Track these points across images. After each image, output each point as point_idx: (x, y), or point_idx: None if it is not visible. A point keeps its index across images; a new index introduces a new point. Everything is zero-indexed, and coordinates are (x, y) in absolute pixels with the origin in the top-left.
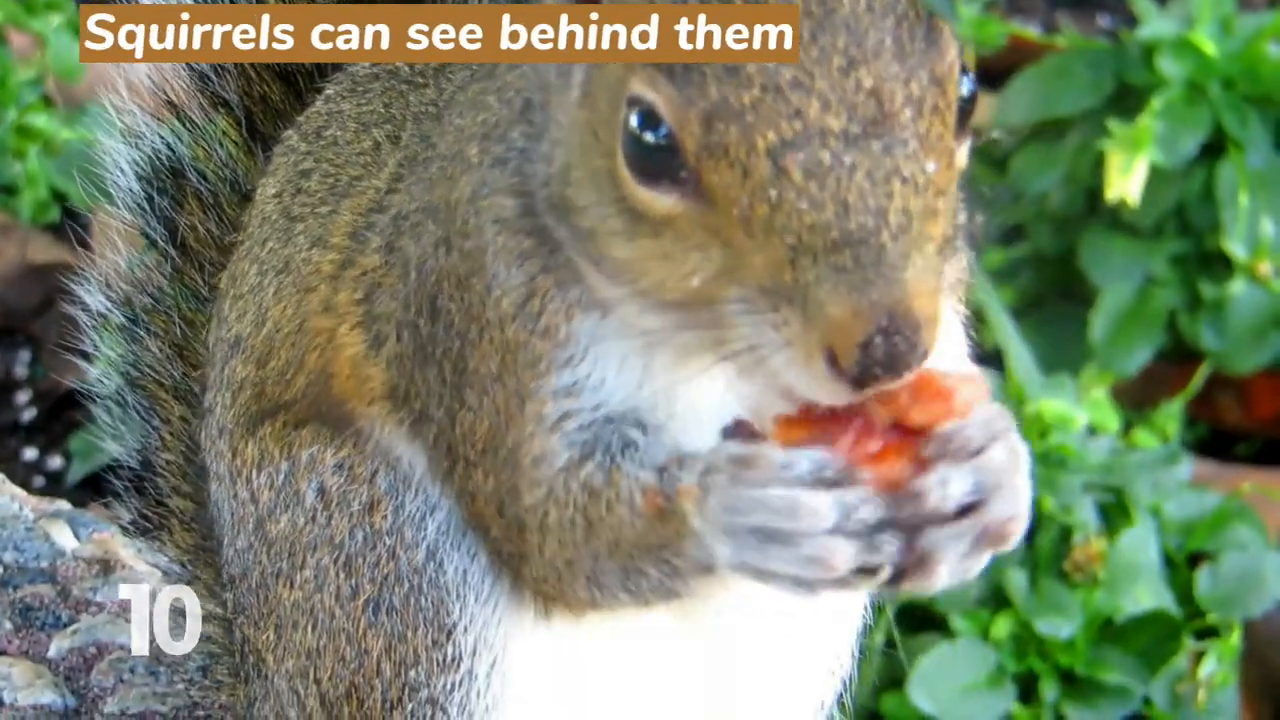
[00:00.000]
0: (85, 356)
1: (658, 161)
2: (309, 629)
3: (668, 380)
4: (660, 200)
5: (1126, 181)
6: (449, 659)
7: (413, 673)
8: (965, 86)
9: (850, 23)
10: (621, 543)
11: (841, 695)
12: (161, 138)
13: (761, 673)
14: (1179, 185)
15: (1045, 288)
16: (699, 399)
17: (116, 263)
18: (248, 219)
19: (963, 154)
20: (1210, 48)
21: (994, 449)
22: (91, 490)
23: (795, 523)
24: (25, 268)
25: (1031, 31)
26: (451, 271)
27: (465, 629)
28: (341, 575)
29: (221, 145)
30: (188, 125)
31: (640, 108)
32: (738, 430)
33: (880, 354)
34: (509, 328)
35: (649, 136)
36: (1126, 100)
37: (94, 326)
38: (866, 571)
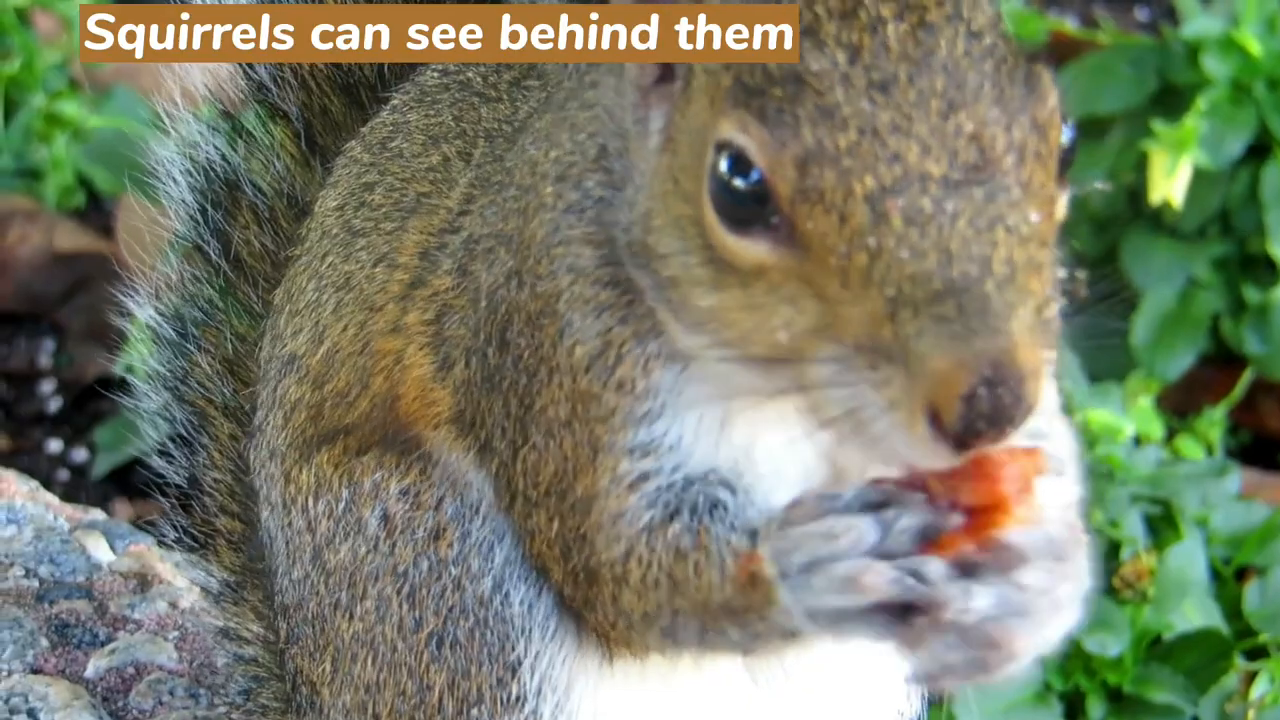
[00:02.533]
0: (110, 348)
1: (748, 208)
2: (369, 662)
3: (747, 438)
4: (750, 249)
5: (1170, 183)
6: (513, 698)
7: (475, 711)
8: (1065, 134)
9: (949, 65)
10: (707, 605)
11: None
12: (216, 148)
13: (832, 714)
14: (1223, 187)
15: (1086, 290)
16: (780, 456)
17: (166, 275)
18: (306, 231)
19: (1062, 205)
20: (1256, 47)
21: (1030, 572)
22: (116, 484)
23: (832, 545)
24: (51, 255)
25: (1070, 25)
26: (522, 306)
27: (530, 668)
28: (405, 606)
29: (279, 158)
30: (244, 136)
31: (729, 152)
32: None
33: (985, 406)
34: (581, 378)
35: (739, 182)
36: (1169, 100)
37: (140, 339)
38: (904, 609)
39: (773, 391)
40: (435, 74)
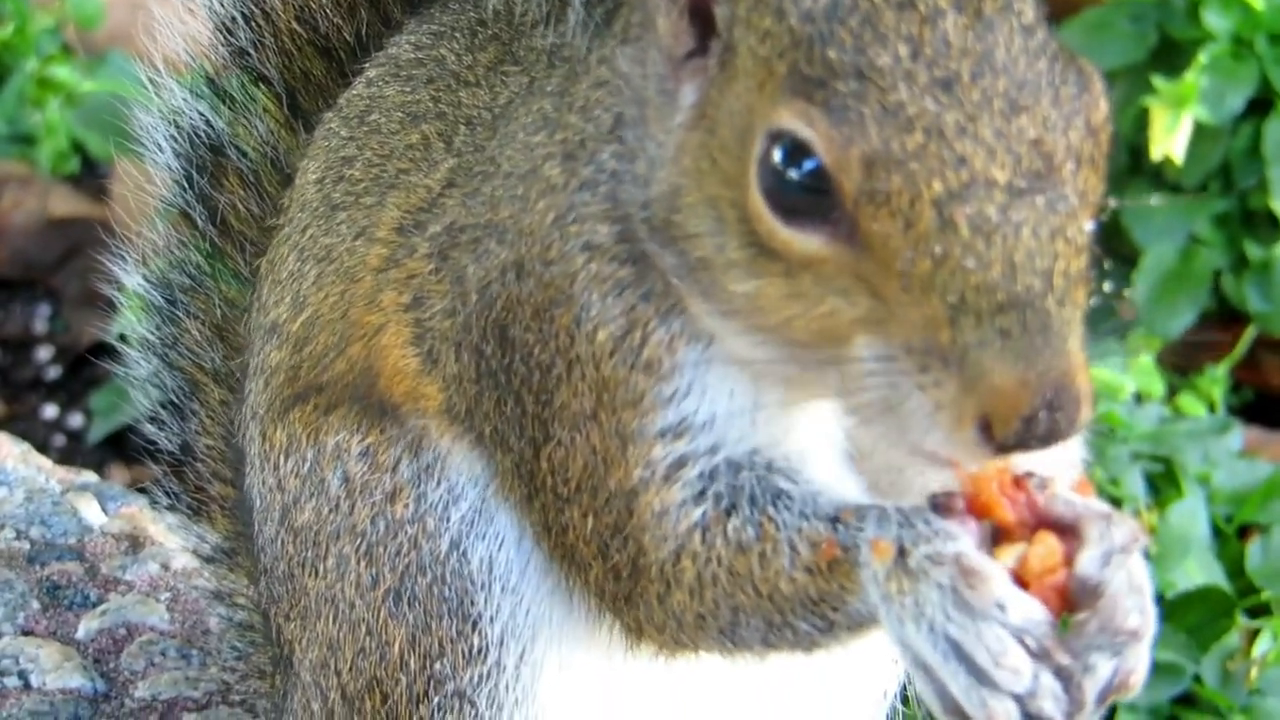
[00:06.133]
0: (105, 314)
1: (804, 200)
2: (330, 619)
3: (781, 416)
4: (803, 240)
5: (1171, 139)
6: (475, 650)
7: (438, 665)
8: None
9: (1008, 64)
10: (774, 596)
11: (905, 687)
12: (200, 114)
13: (821, 660)
14: (1224, 142)
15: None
16: (811, 433)
17: (153, 241)
18: (287, 202)
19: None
20: (1257, 1)
21: (1134, 618)
22: (112, 448)
23: (994, 669)
24: (45, 220)
25: None
26: (526, 300)
27: (491, 619)
28: (362, 564)
29: (262, 122)
30: (226, 101)
31: (786, 142)
32: (940, 504)
33: (1042, 429)
34: (605, 364)
35: (793, 173)
36: (1170, 55)
37: (130, 306)
38: None
39: (802, 379)
40: (409, 47)
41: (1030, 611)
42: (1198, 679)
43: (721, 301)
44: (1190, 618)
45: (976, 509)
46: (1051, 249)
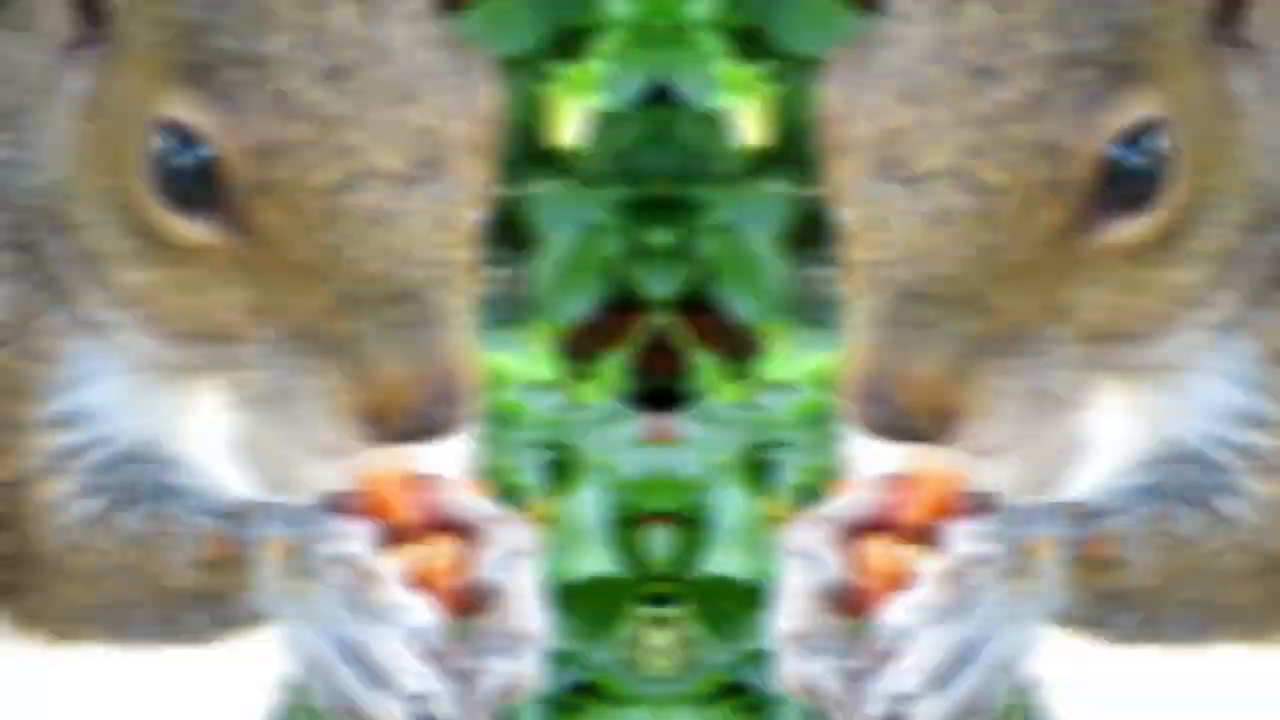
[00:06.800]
0: None
1: (194, 189)
2: None
3: (176, 409)
4: (193, 229)
5: (569, 126)
6: None
7: None
8: None
9: (401, 54)
10: (169, 592)
11: None
12: None
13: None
14: (625, 130)
15: None
16: (206, 427)
17: None
18: None
19: None
20: None
21: (529, 621)
22: None
23: (390, 672)
24: None
25: None
26: None
27: None
28: None
29: None
30: None
31: (176, 131)
32: (335, 503)
33: (429, 422)
34: None
35: (183, 162)
36: (570, 42)
37: None
38: None
39: (198, 370)
40: None
41: (427, 614)
42: (596, 666)
43: (114, 291)
44: (588, 605)
45: (374, 509)
46: (442, 239)
